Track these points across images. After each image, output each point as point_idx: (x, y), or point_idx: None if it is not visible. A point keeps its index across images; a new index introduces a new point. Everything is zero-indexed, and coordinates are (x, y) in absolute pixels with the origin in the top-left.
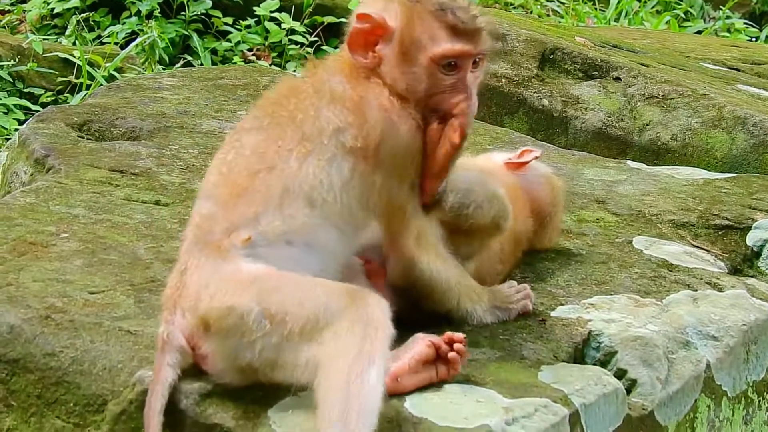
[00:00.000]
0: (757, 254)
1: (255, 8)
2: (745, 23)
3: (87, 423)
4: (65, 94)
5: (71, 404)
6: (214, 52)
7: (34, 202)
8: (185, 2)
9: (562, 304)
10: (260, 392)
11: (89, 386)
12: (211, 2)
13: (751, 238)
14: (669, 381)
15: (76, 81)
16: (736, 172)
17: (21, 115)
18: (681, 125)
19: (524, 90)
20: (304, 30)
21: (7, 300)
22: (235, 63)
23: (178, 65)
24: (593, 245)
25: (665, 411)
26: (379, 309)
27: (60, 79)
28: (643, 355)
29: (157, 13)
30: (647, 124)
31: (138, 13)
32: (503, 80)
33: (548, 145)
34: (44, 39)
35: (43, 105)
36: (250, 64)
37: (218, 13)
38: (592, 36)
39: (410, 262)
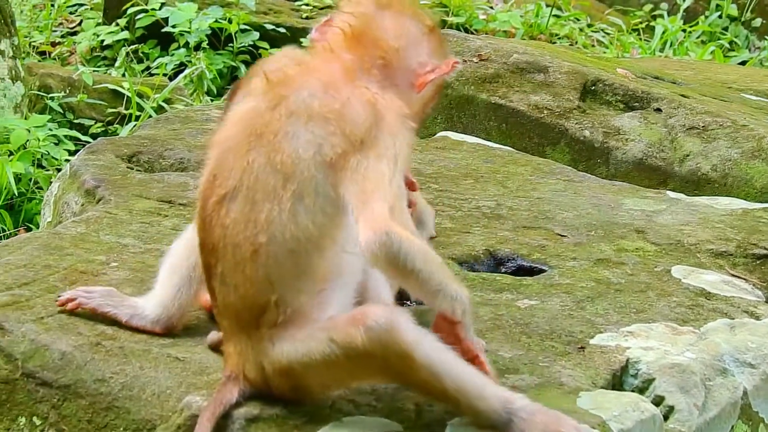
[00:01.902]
0: None
1: (302, 39)
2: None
3: None
4: (115, 125)
5: (121, 429)
6: None
7: (84, 231)
8: (233, 34)
9: (601, 332)
10: (305, 417)
11: (138, 411)
12: (258, 34)
13: None
14: (706, 407)
15: (125, 112)
16: None
17: (71, 146)
18: (721, 156)
19: (566, 121)
20: None
21: (59, 327)
22: None
23: (225, 96)
24: (632, 274)
25: None
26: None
27: (109, 110)
28: (681, 382)
29: (205, 44)
30: (687, 155)
31: (186, 44)
32: (545, 111)
33: (588, 175)
34: (94, 71)
35: (93, 136)
36: None
37: (266, 45)
38: (633, 67)
39: (382, 231)
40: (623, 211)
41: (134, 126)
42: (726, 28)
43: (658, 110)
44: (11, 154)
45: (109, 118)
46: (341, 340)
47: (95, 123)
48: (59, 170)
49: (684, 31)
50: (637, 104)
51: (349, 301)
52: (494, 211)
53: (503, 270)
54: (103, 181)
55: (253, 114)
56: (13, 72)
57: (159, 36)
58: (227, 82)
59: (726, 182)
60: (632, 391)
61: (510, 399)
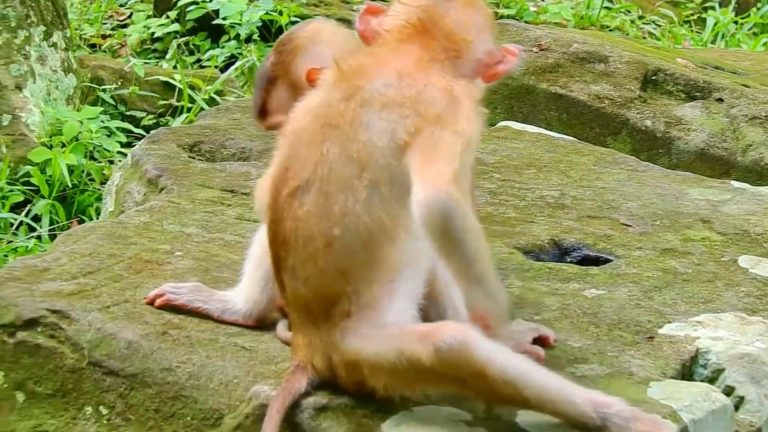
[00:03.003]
0: None
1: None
2: None
3: None
4: (166, 117)
5: (188, 418)
6: None
7: (148, 221)
8: (283, 26)
9: (669, 322)
10: (374, 407)
11: (206, 400)
12: None
13: None
14: None
15: (176, 104)
16: None
17: (123, 138)
18: None
19: (627, 111)
20: None
21: (125, 316)
22: None
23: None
24: (699, 264)
25: None
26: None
27: (161, 102)
28: (751, 372)
29: (256, 36)
30: (750, 145)
31: (237, 37)
32: (606, 101)
33: (652, 165)
34: (145, 63)
35: (145, 128)
36: None
37: None
38: (692, 58)
39: (443, 189)
40: (688, 201)
41: (186, 118)
42: None
43: (720, 100)
44: (64, 146)
45: (161, 110)
46: (409, 354)
47: (147, 115)
48: (111, 162)
49: (736, 23)
50: (698, 94)
51: (418, 291)
52: (558, 200)
53: (568, 260)
54: (165, 170)
55: (327, 105)
56: (66, 64)
57: (210, 28)
58: None
59: None
60: (702, 381)
61: (603, 403)
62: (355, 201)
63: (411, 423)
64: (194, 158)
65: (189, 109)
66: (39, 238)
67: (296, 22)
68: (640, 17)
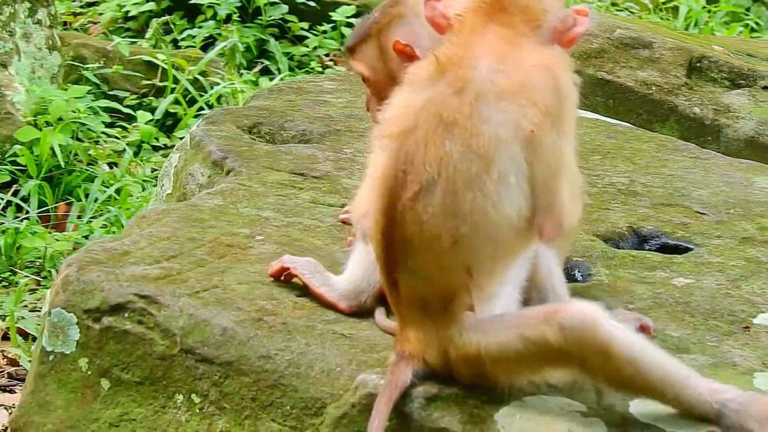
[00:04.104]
0: None
1: (331, 13)
2: None
3: (304, 426)
4: (149, 98)
5: (288, 407)
6: (290, 57)
7: (222, 203)
8: (262, 7)
9: (763, 312)
10: (485, 396)
11: (307, 389)
12: (287, 7)
13: None
14: None
15: (160, 84)
16: None
17: (107, 118)
18: None
19: (674, 98)
20: None
21: (217, 302)
22: (312, 68)
23: (255, 69)
24: None
25: None
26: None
27: (144, 82)
28: None
29: (235, 17)
30: None
31: (214, 16)
32: (653, 87)
33: (714, 153)
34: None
35: (129, 107)
36: (328, 69)
37: (294, 18)
38: (725, 45)
39: (567, 221)
40: (757, 189)
41: (172, 98)
42: (749, 9)
43: (766, 88)
44: (49, 125)
45: (144, 90)
46: (534, 337)
47: (130, 95)
48: (96, 142)
49: (709, 11)
50: (743, 81)
51: (524, 277)
52: (629, 187)
53: (647, 247)
54: (230, 152)
55: (439, 102)
56: (50, 42)
57: (186, 7)
58: (256, 55)
59: None
60: None
61: (719, 389)
62: (484, 197)
63: (524, 413)
64: (255, 140)
65: (173, 90)
66: (27, 218)
67: (275, 3)
68: (614, 4)
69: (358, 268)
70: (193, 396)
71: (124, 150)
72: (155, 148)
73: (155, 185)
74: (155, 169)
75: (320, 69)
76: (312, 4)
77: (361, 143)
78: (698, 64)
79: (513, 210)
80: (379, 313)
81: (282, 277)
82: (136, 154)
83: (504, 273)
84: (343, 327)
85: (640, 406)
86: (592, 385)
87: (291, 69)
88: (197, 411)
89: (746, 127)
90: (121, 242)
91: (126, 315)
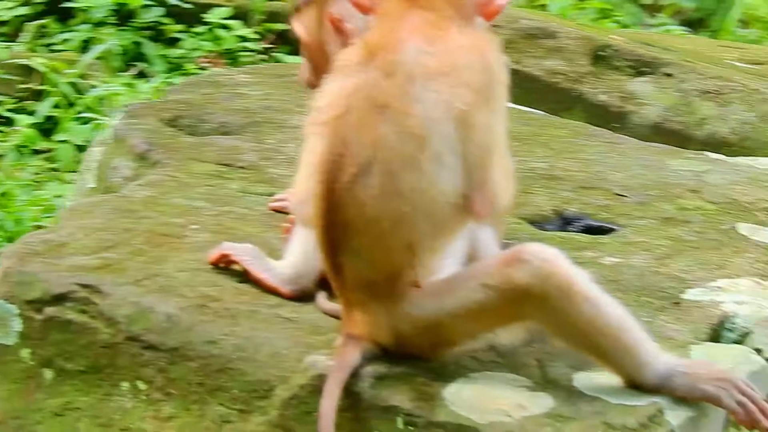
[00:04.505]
0: None
1: (206, 15)
2: (683, 30)
3: (252, 409)
4: (27, 102)
5: (235, 391)
6: (166, 59)
7: (153, 195)
8: (136, 9)
9: (691, 287)
10: (432, 374)
11: (254, 372)
12: (163, 10)
13: None
14: None
15: (36, 88)
16: None
17: None
18: (738, 119)
19: (581, 86)
20: (257, 37)
21: (159, 290)
22: (188, 70)
23: (131, 72)
24: (701, 232)
25: None
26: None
27: (21, 86)
28: None
29: (111, 20)
30: (704, 119)
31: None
32: (560, 76)
33: (627, 138)
34: None
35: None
36: (204, 71)
37: (170, 20)
38: (622, 35)
39: (499, 200)
40: (671, 172)
41: (53, 102)
42: (618, 5)
43: (669, 75)
44: None
45: (21, 95)
46: (496, 282)
47: (7, 99)
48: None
49: (579, 8)
50: (646, 69)
51: (464, 251)
52: (549, 172)
53: (571, 229)
54: (154, 144)
55: (370, 86)
56: None
57: (59, 11)
58: (131, 58)
59: (745, 145)
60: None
61: (668, 354)
62: (421, 176)
63: (472, 388)
64: (177, 132)
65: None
66: None
67: (149, 5)
68: None
69: (299, 253)
70: (139, 383)
71: (1, 155)
72: (36, 152)
73: (36, 189)
74: (38, 173)
75: (197, 71)
76: (187, 6)
77: (282, 134)
78: (602, 53)
79: (450, 187)
80: (321, 297)
81: (221, 264)
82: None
83: (445, 249)
84: (286, 311)
85: (583, 380)
86: (535, 360)
87: (168, 71)
88: (143, 398)
89: (652, 114)
90: (57, 234)
91: (68, 305)
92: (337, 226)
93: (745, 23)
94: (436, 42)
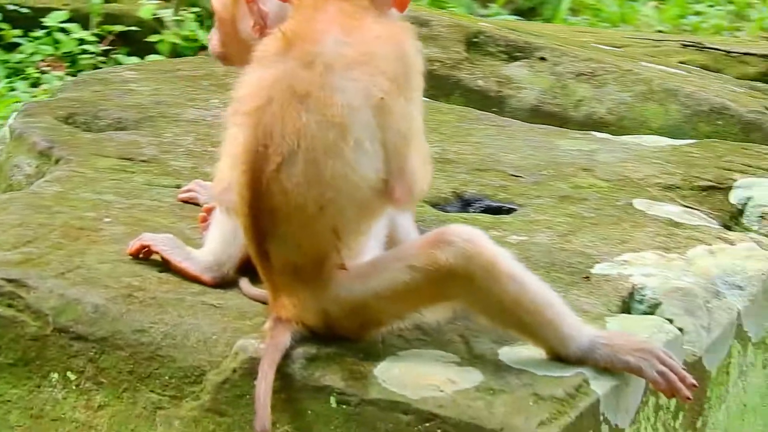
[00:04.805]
0: (741, 212)
1: (44, 19)
2: (516, 19)
3: (184, 394)
4: None
5: (166, 377)
6: (6, 64)
7: (62, 190)
8: None
9: (598, 262)
10: (361, 354)
11: (184, 359)
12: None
13: (735, 197)
14: (710, 329)
15: None
16: None
17: None
18: (614, 99)
19: (458, 72)
20: (95, 39)
21: (84, 281)
22: (29, 75)
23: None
24: (599, 209)
25: (709, 357)
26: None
27: None
28: (686, 304)
29: None
30: (581, 100)
31: None
32: (436, 64)
33: (513, 120)
34: None
35: None
36: (46, 75)
37: (7, 26)
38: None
39: (413, 195)
40: (562, 152)
41: None
42: None
43: (543, 59)
44: None
45: None
46: (422, 263)
47: None
48: None
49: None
50: (520, 54)
51: (384, 233)
52: (442, 156)
53: (471, 210)
54: (54, 142)
55: (290, 76)
56: None
57: None
58: None
59: (623, 124)
60: (636, 315)
61: (590, 327)
62: (343, 162)
63: (402, 366)
64: (75, 129)
65: None
66: None
67: None
68: None
69: (218, 241)
70: (69, 373)
71: None
72: None
73: None
74: None
75: (38, 75)
76: (24, 10)
77: (178, 127)
78: (475, 40)
79: (372, 172)
80: (244, 283)
81: (141, 255)
82: None
83: (369, 231)
84: (210, 298)
85: (509, 353)
86: (460, 336)
87: (8, 76)
88: (74, 388)
89: (529, 97)
90: None
91: None
92: (263, 213)
93: (574, 11)
94: (353, 32)
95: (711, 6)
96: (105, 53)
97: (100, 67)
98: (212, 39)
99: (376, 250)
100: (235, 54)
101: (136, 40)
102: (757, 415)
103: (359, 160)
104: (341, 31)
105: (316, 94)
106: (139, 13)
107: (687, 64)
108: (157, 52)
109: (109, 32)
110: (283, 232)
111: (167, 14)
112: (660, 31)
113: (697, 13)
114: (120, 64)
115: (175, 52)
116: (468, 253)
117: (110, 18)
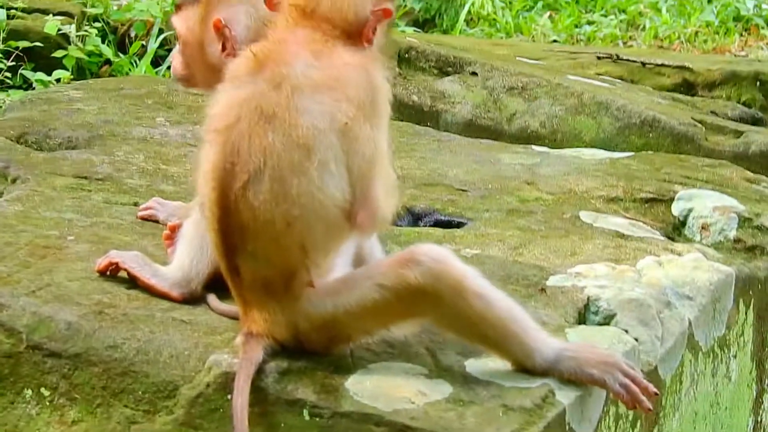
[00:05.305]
0: (683, 223)
1: None
2: (415, 30)
3: (158, 409)
4: None
5: (139, 392)
6: None
7: (23, 209)
8: None
9: (552, 274)
10: (332, 367)
11: (158, 374)
12: None
13: (676, 209)
14: (664, 339)
15: None
16: None
17: None
18: (546, 113)
19: (392, 88)
20: (0, 56)
21: (55, 299)
22: None
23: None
24: (546, 221)
25: (664, 366)
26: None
27: None
28: (640, 315)
29: None
30: (514, 114)
31: None
32: None
33: (454, 135)
34: None
35: None
36: None
37: None
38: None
39: (378, 221)
40: (504, 166)
41: None
42: None
43: (474, 74)
44: None
45: None
46: (391, 282)
47: None
48: None
49: None
50: (451, 69)
51: (352, 252)
52: None
53: (422, 224)
54: (9, 161)
55: (258, 97)
56: None
57: None
58: None
59: (556, 137)
60: (594, 326)
61: (553, 339)
62: (308, 181)
63: (372, 379)
64: (28, 149)
65: None
66: None
67: None
68: None
69: (186, 257)
70: (43, 390)
71: None
72: None
73: None
74: None
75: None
76: None
77: (129, 146)
78: (407, 55)
79: (338, 193)
80: (212, 299)
81: (108, 272)
82: None
83: (336, 249)
84: (180, 314)
85: (475, 366)
86: (426, 349)
87: None
88: (47, 404)
89: (463, 111)
90: None
91: None
92: (232, 229)
93: (469, 22)
94: (322, 57)
95: (604, 16)
96: (10, 69)
97: (7, 83)
98: (174, 61)
99: (344, 267)
100: (200, 76)
101: (42, 56)
102: (707, 422)
103: (325, 180)
104: (311, 55)
105: (282, 114)
106: (45, 29)
107: (604, 76)
108: (63, 68)
109: (16, 48)
110: (253, 247)
111: (71, 30)
112: (555, 41)
113: (590, 23)
114: (27, 79)
115: (80, 68)
116: (436, 273)
117: (14, 34)
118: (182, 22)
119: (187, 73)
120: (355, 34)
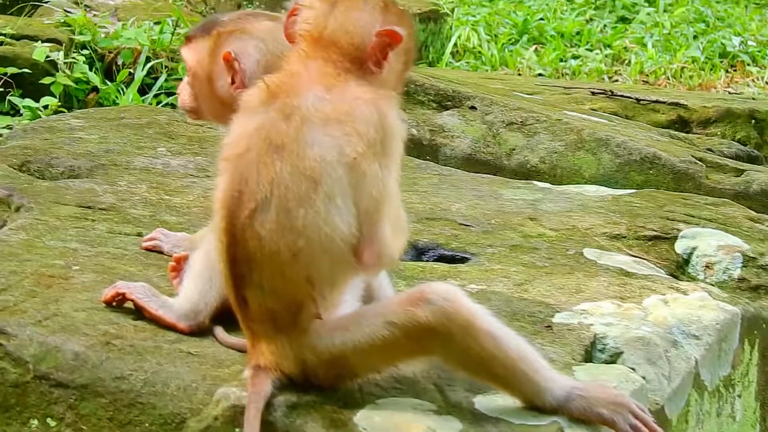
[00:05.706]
0: (687, 261)
1: None
2: None
3: None
4: None
5: (146, 424)
6: None
7: (28, 238)
8: None
9: (558, 311)
10: (340, 401)
11: (165, 406)
12: None
13: (680, 247)
14: (671, 378)
15: None
16: None
17: None
18: (546, 148)
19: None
20: None
21: (62, 329)
22: None
23: None
24: (550, 258)
25: (670, 406)
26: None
27: None
28: (647, 354)
29: None
30: (513, 149)
31: None
32: None
33: (455, 170)
34: None
35: None
36: None
37: None
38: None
39: (383, 261)
40: (506, 201)
41: None
42: None
43: (473, 108)
44: None
45: None
46: (401, 321)
47: None
48: None
49: None
50: (449, 103)
51: (361, 287)
52: None
53: (425, 259)
54: (13, 189)
55: (268, 127)
56: None
57: None
58: None
59: (556, 173)
60: (601, 364)
61: (564, 377)
62: (315, 213)
63: (381, 414)
64: (32, 177)
65: None
66: None
67: None
68: None
69: (194, 289)
70: (49, 420)
71: None
72: None
73: None
74: None
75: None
76: None
77: (131, 175)
78: (405, 88)
79: (344, 227)
80: (220, 331)
81: (114, 302)
82: None
83: (344, 283)
84: (187, 346)
85: (484, 402)
86: (434, 385)
87: None
88: None
89: (462, 145)
90: None
91: None
92: (239, 259)
93: (454, 55)
94: (334, 90)
95: (589, 50)
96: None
97: None
98: (182, 93)
99: (353, 303)
100: (208, 109)
101: (29, 83)
102: None
103: (331, 213)
104: (323, 88)
105: (290, 145)
106: (33, 55)
107: (599, 111)
108: (51, 94)
109: (4, 74)
110: (259, 278)
111: (59, 57)
112: (540, 75)
113: (576, 57)
114: (15, 106)
115: (67, 94)
116: (446, 311)
117: (3, 60)
118: (192, 55)
119: (195, 106)
120: (365, 61)
